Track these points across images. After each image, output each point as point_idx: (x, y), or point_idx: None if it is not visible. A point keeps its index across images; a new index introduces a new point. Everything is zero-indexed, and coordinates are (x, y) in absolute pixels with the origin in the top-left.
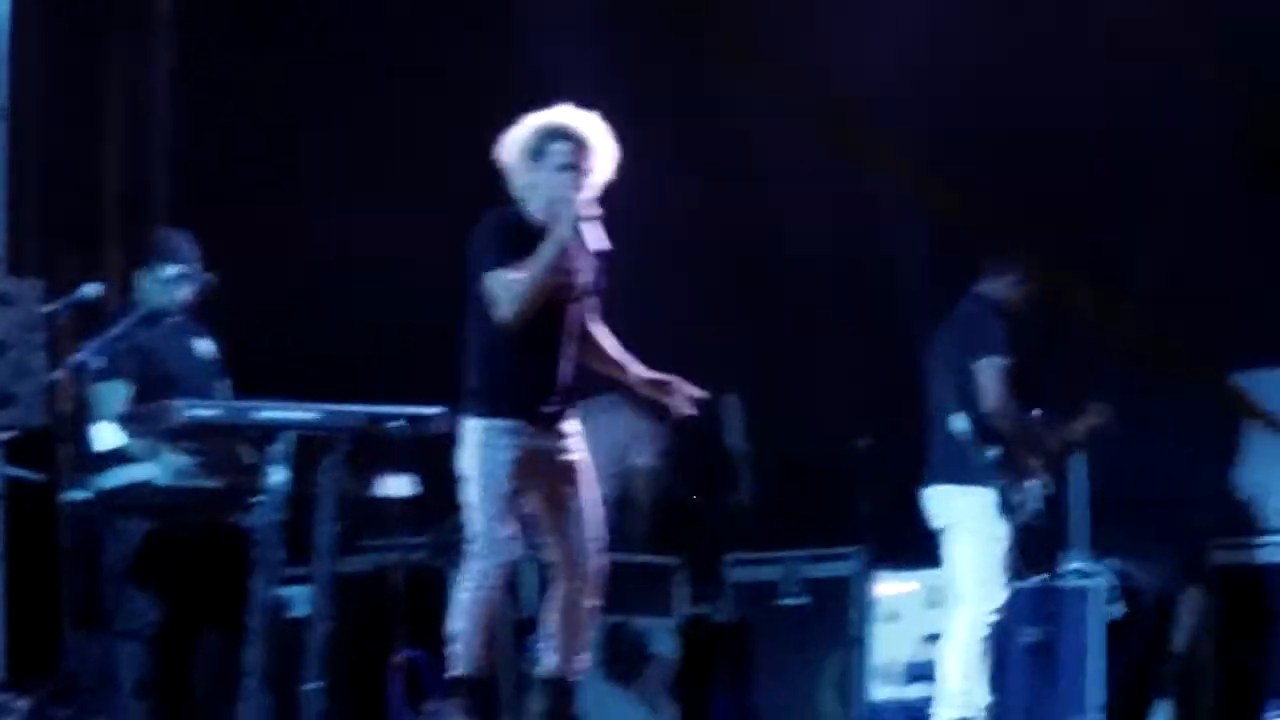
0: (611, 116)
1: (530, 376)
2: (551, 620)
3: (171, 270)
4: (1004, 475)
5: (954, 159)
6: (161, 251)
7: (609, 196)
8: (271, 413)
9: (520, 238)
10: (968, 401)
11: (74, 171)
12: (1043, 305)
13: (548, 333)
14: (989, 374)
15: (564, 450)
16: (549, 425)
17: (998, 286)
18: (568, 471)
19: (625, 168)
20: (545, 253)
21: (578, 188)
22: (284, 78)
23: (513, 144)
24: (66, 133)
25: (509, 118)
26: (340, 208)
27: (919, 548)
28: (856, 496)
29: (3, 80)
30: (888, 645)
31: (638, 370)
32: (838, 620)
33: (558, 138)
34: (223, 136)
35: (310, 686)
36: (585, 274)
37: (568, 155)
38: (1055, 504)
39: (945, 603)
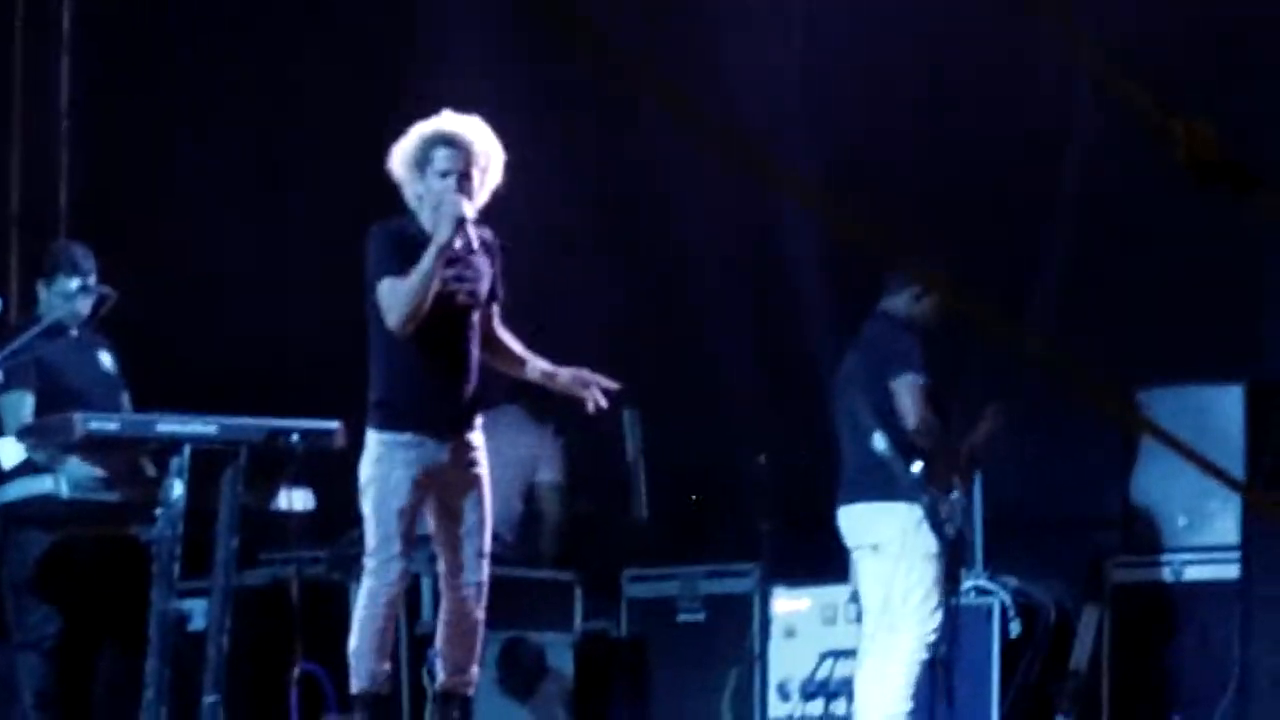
0: (503, 118)
1: (430, 388)
2: (440, 635)
3: (72, 283)
4: (929, 491)
5: (849, 168)
6: (61, 264)
7: (504, 208)
8: (170, 426)
9: (410, 247)
10: (887, 419)
11: None
12: (944, 319)
13: (447, 342)
14: (910, 391)
15: (464, 463)
16: (450, 437)
17: (899, 302)
18: (467, 485)
19: (519, 175)
20: (427, 257)
21: (462, 192)
22: (185, 92)
23: (400, 154)
24: None
25: (402, 121)
26: (240, 222)
27: (814, 564)
28: (755, 513)
29: None
30: (785, 662)
31: (547, 368)
32: (735, 636)
33: (440, 144)
34: (122, 152)
35: (208, 699)
36: (483, 279)
37: (450, 161)
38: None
39: (857, 622)
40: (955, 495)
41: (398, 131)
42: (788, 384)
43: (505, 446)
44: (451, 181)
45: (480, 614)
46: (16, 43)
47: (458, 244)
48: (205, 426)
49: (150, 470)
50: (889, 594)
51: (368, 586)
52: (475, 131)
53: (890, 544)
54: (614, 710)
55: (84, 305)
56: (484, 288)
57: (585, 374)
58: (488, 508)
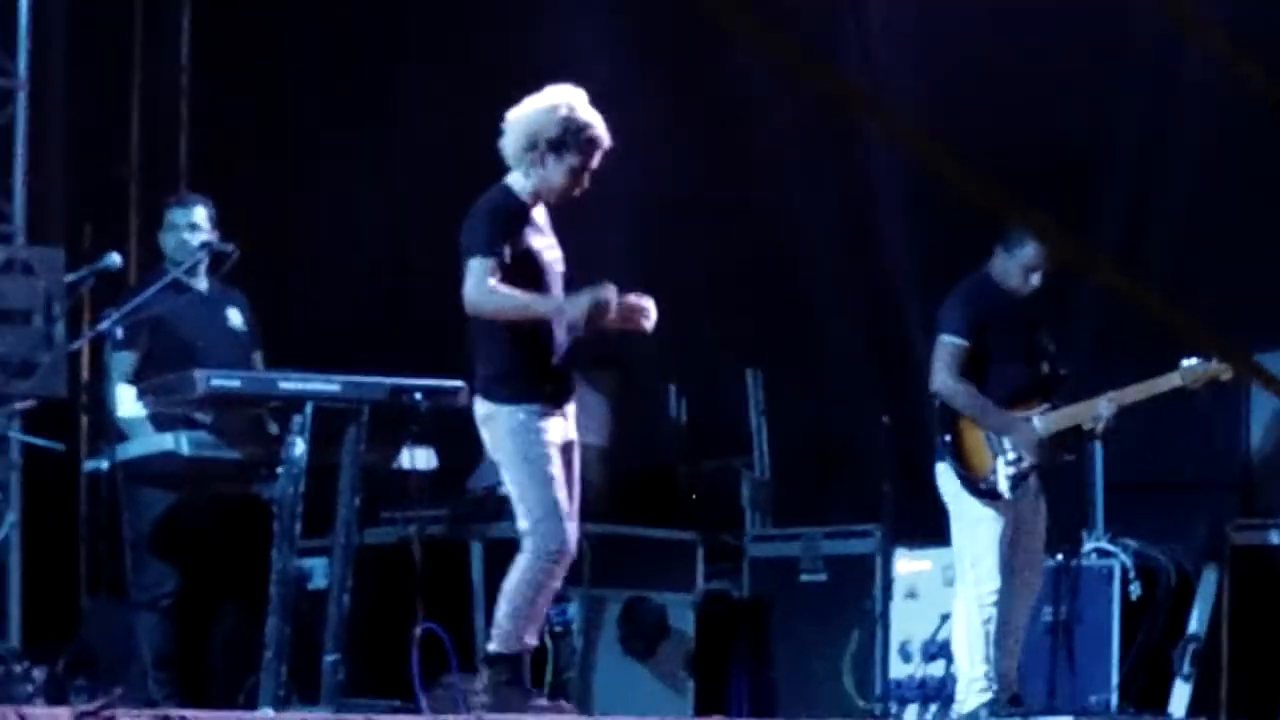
0: (620, 91)
1: (550, 357)
2: (514, 593)
3: (184, 216)
4: (959, 455)
5: (959, 127)
6: (174, 204)
7: (622, 176)
8: (293, 384)
9: (514, 223)
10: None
11: (96, 141)
12: (1056, 281)
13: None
14: (938, 353)
15: (567, 429)
16: (560, 404)
17: (1008, 264)
18: (568, 451)
19: (637, 143)
20: (544, 306)
21: (579, 187)
22: (305, 46)
23: (532, 122)
24: (88, 103)
25: (516, 80)
26: (362, 176)
27: (936, 525)
28: (877, 473)
29: (23, 52)
30: (906, 623)
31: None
32: (857, 597)
33: (587, 145)
34: (243, 107)
35: (329, 658)
36: (559, 249)
37: (587, 160)
38: (1074, 484)
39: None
40: (1000, 461)
41: (512, 89)
42: (906, 344)
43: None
44: (582, 180)
45: (559, 582)
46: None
47: (537, 215)
48: (328, 384)
49: (272, 428)
50: (954, 553)
51: (536, 548)
52: (601, 123)
53: (950, 504)
54: (735, 670)
55: (198, 238)
56: (561, 255)
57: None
58: (577, 476)
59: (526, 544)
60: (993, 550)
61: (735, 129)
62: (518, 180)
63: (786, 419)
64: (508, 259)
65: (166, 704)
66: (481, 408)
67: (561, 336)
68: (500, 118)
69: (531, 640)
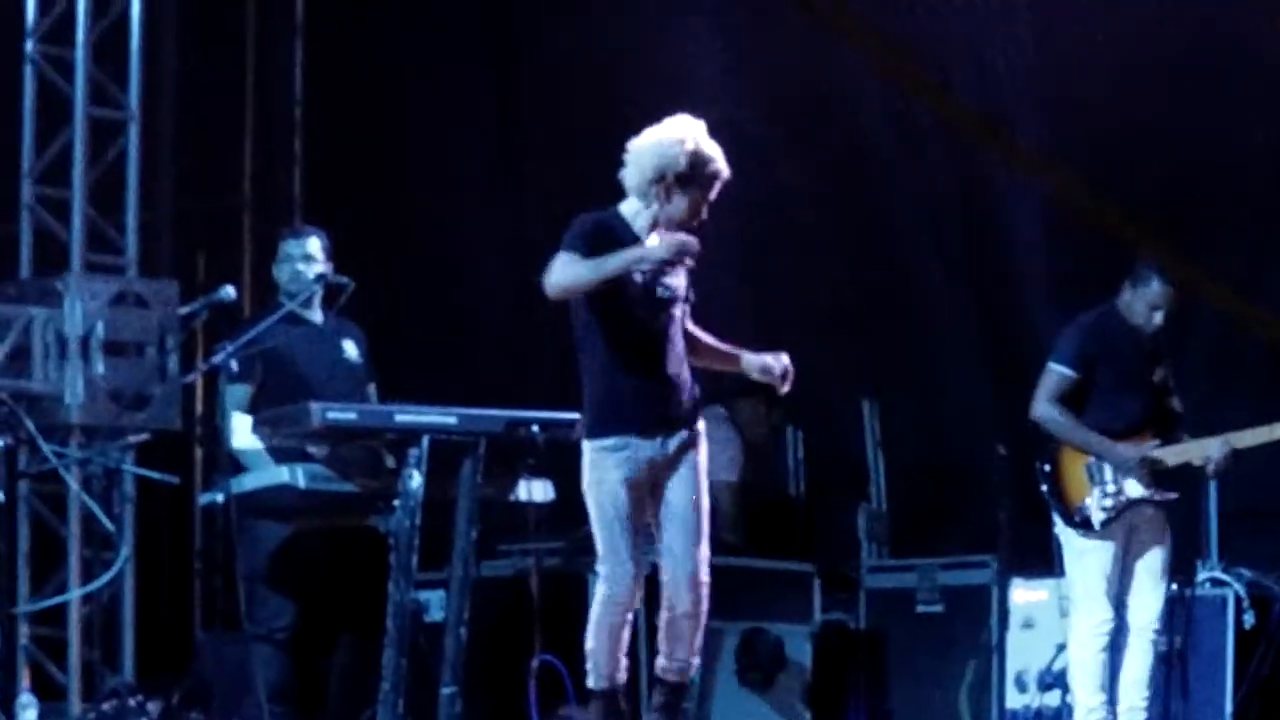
0: (737, 124)
1: (634, 388)
2: (661, 622)
3: (299, 247)
4: (1056, 485)
5: (1079, 153)
6: (289, 235)
7: (739, 202)
8: (409, 416)
9: (606, 239)
10: None
11: (208, 173)
12: (1178, 311)
13: (650, 340)
14: (1043, 379)
15: (678, 458)
16: (660, 434)
17: (1134, 299)
18: (679, 479)
19: (755, 177)
20: (621, 259)
21: (695, 224)
22: (419, 78)
23: (662, 156)
24: (200, 134)
25: (639, 112)
26: (476, 207)
27: (1052, 555)
28: (993, 504)
29: (134, 83)
30: (1022, 653)
31: (749, 356)
32: (973, 628)
33: (709, 176)
34: (356, 140)
35: (446, 691)
36: (677, 278)
37: (709, 193)
38: (1188, 513)
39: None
40: (1095, 494)
41: (631, 110)
42: (1022, 374)
43: None
44: (701, 211)
45: (694, 606)
46: (250, 28)
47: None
48: (444, 417)
49: (389, 461)
50: (1068, 585)
51: (602, 592)
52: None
53: (1060, 535)
54: (852, 701)
55: (313, 271)
56: (681, 285)
57: (778, 361)
58: (703, 501)
59: (598, 582)
60: (1100, 580)
61: (852, 161)
62: (631, 206)
63: (903, 450)
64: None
65: None
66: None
67: (655, 365)
68: (614, 146)
69: (620, 677)
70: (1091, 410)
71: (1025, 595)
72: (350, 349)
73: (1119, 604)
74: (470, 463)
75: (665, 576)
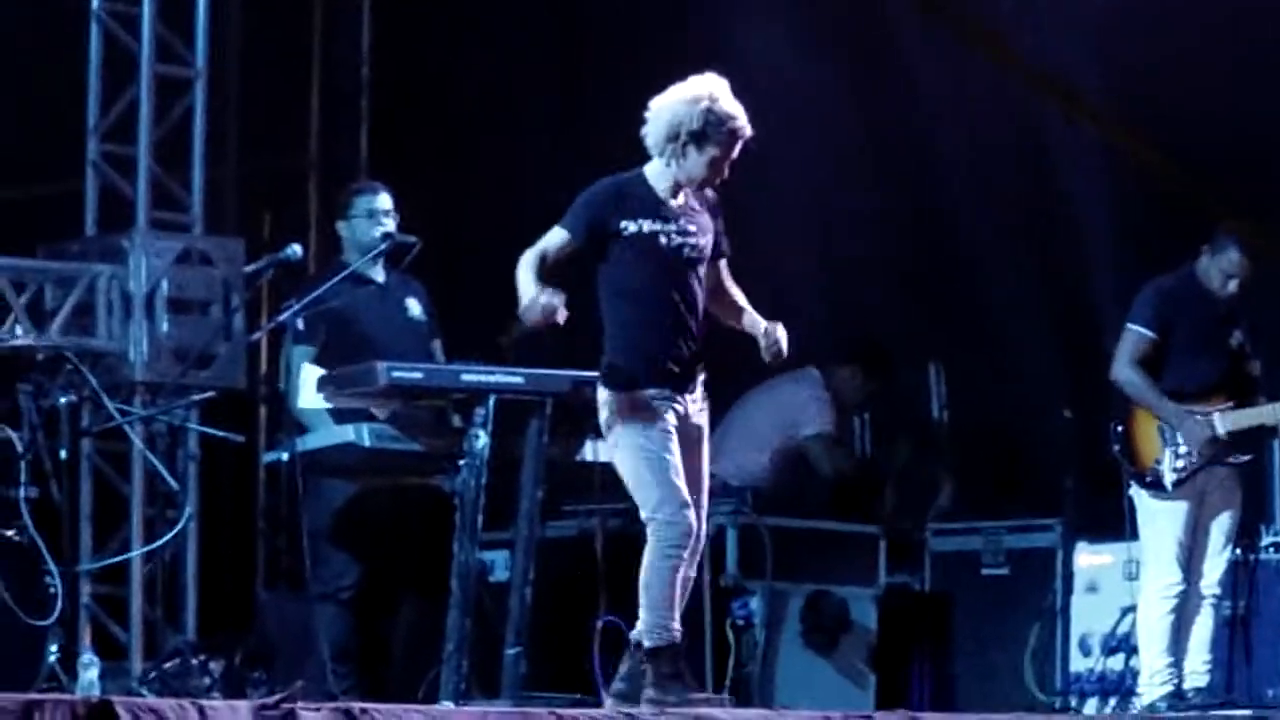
0: (806, 89)
1: (665, 346)
2: (649, 585)
3: (369, 203)
4: (1129, 445)
5: (1145, 115)
6: (354, 194)
7: (806, 167)
8: (475, 376)
9: (621, 206)
10: None
11: (274, 131)
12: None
13: (674, 297)
14: (1122, 341)
15: (691, 416)
16: (680, 389)
17: (1210, 266)
18: (691, 438)
19: (823, 139)
20: (524, 283)
21: (713, 184)
22: (486, 38)
23: (677, 114)
24: (266, 92)
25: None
26: (542, 167)
27: (1116, 519)
28: (1059, 467)
29: (200, 41)
30: (1086, 617)
31: (751, 316)
32: (1038, 591)
33: (726, 135)
34: (421, 99)
35: (510, 651)
36: (705, 234)
37: (728, 152)
38: (1252, 478)
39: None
40: (1167, 455)
41: (695, 70)
42: (1088, 337)
43: (771, 404)
44: (717, 173)
45: (691, 570)
46: None
47: (673, 202)
48: (511, 377)
49: (454, 420)
50: (1141, 548)
51: (662, 540)
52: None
53: (1133, 497)
54: (916, 664)
55: (381, 229)
56: (707, 243)
57: (776, 332)
58: (705, 461)
59: (650, 533)
60: (1171, 543)
61: (917, 127)
62: (655, 168)
63: (969, 413)
64: (585, 240)
65: (346, 697)
66: (600, 394)
67: (680, 322)
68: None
69: (676, 631)
70: (1167, 373)
71: (1090, 559)
72: (414, 306)
73: (1187, 567)
74: (536, 422)
75: None
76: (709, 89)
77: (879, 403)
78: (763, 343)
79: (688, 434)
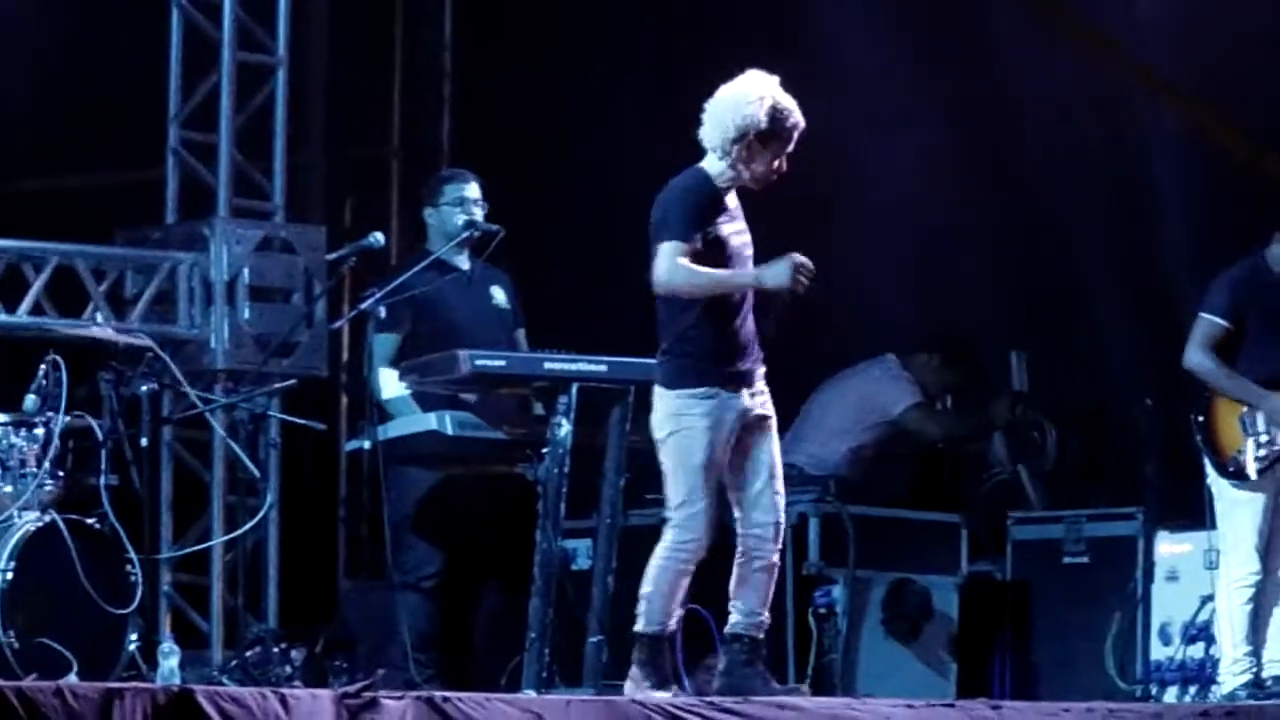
0: (891, 81)
1: (721, 341)
2: (734, 576)
3: (459, 190)
4: (1209, 435)
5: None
6: (446, 179)
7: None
8: (558, 364)
9: (707, 206)
10: None
11: (356, 119)
12: None
13: (741, 300)
14: (1195, 329)
15: (753, 407)
16: (738, 385)
17: (1273, 248)
18: (758, 429)
19: (908, 132)
20: (738, 279)
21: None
22: (569, 24)
23: (743, 114)
24: (348, 80)
25: (796, 54)
26: (628, 153)
27: (1198, 508)
28: (1140, 456)
29: (282, 28)
30: (1167, 605)
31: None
32: (1119, 580)
33: (789, 131)
34: (505, 87)
35: (593, 639)
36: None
37: (787, 146)
38: None
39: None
40: (1249, 443)
41: (789, 53)
42: (1170, 326)
43: (851, 392)
44: (777, 169)
45: (774, 557)
46: None
47: (730, 201)
48: (594, 365)
49: (537, 409)
50: (1219, 537)
51: (672, 538)
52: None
53: (1212, 486)
54: (997, 652)
55: (468, 215)
56: (750, 239)
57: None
58: (776, 449)
59: (667, 528)
60: (1249, 534)
61: (1000, 117)
62: (714, 165)
63: (1050, 402)
64: (699, 245)
65: (428, 686)
66: (655, 391)
67: (740, 319)
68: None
69: (673, 624)
70: (1241, 360)
71: (1170, 548)
72: (499, 295)
73: (1265, 556)
74: (619, 410)
75: (748, 529)
76: (768, 86)
77: (960, 392)
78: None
79: (751, 425)
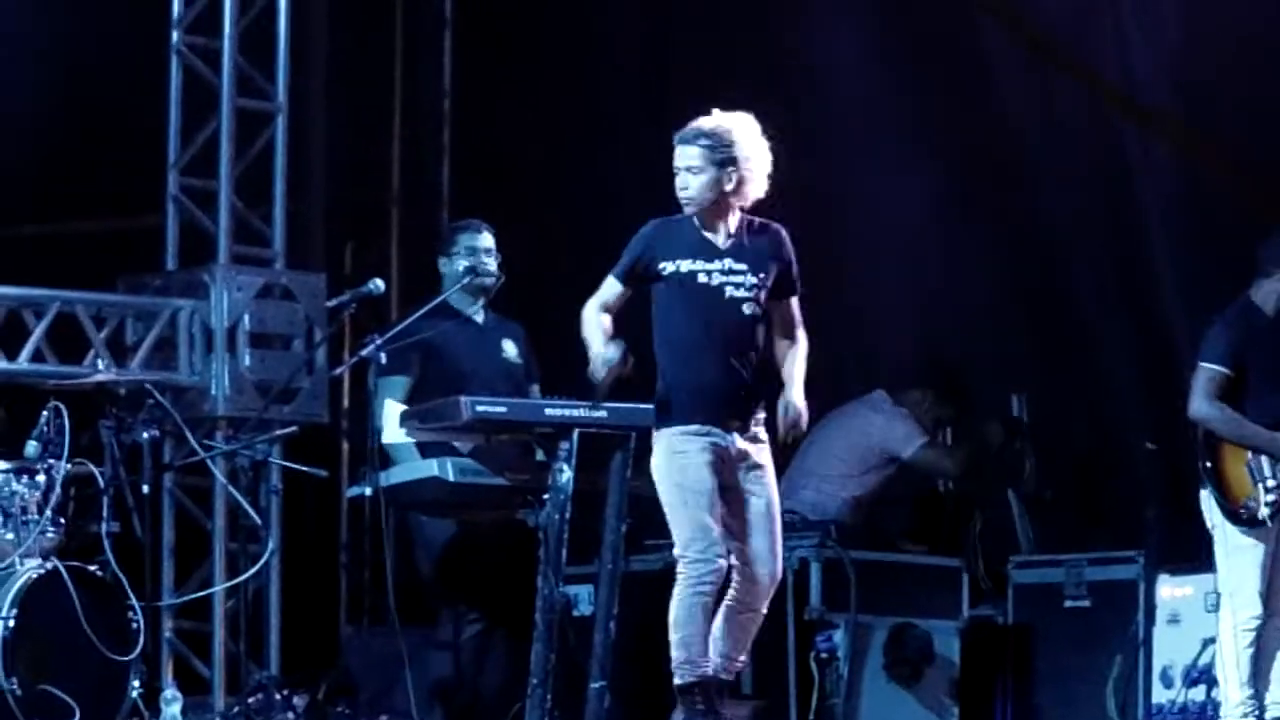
0: (886, 116)
1: (708, 380)
2: (719, 617)
3: (473, 240)
4: (1219, 483)
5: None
6: (459, 229)
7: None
8: (559, 410)
9: (652, 240)
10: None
11: (356, 165)
12: None
13: (720, 336)
14: (1196, 380)
15: (750, 456)
16: (732, 428)
17: (1267, 287)
18: (753, 474)
19: (907, 170)
20: (591, 340)
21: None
22: (569, 68)
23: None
24: (348, 126)
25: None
26: (631, 200)
27: (1199, 551)
28: (1141, 499)
29: (281, 74)
30: (1168, 648)
31: (787, 394)
32: (1120, 623)
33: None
34: (505, 133)
35: (594, 685)
36: (752, 279)
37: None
38: None
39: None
40: (1267, 485)
41: (777, 97)
42: (1171, 369)
43: (848, 435)
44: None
45: (763, 608)
46: (398, 19)
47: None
48: (594, 411)
49: (539, 454)
50: (1217, 578)
51: (691, 575)
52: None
53: (1215, 530)
54: (999, 696)
55: (490, 263)
56: (754, 282)
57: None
58: (772, 497)
59: (679, 569)
60: (1253, 578)
61: (1001, 158)
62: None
63: (1050, 444)
64: (630, 278)
65: None
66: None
67: (722, 360)
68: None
69: (707, 665)
70: (1247, 408)
71: (1172, 591)
72: (510, 348)
73: (1267, 600)
74: (620, 456)
75: (741, 576)
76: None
77: (955, 423)
78: (780, 413)
79: (743, 471)
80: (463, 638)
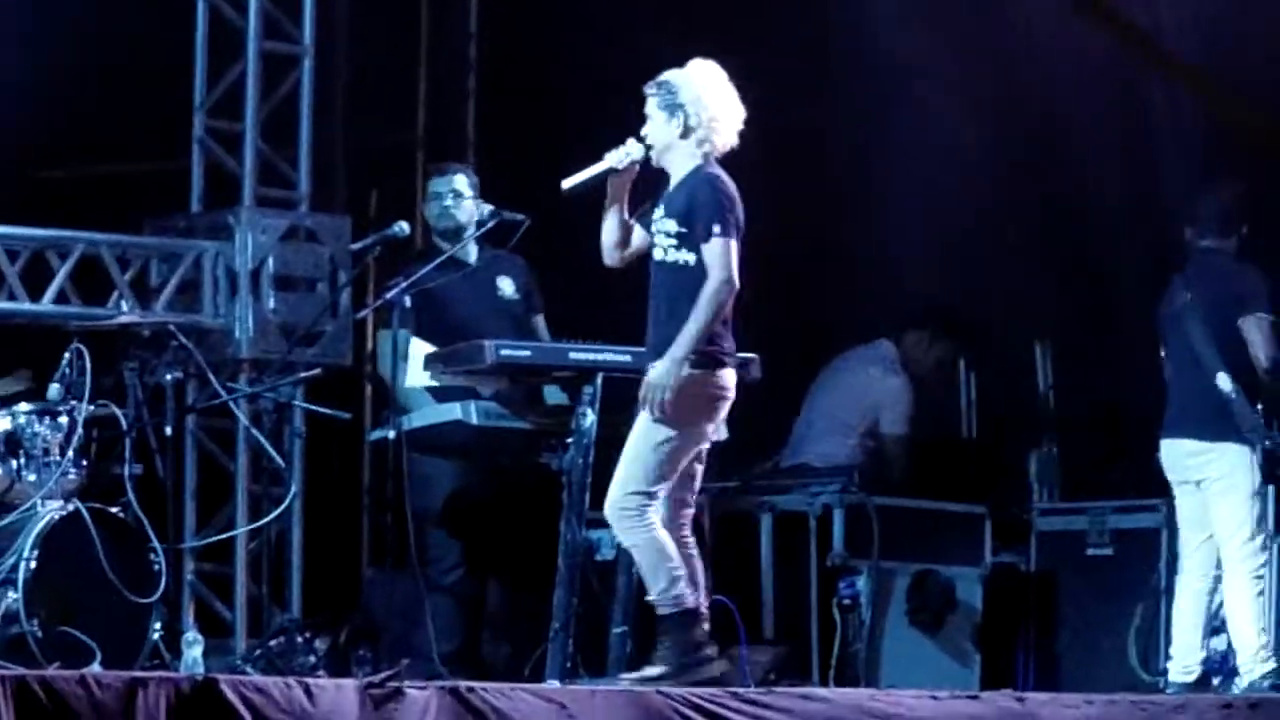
0: (919, 72)
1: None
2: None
3: (445, 184)
4: (1270, 434)
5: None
6: (436, 171)
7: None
8: (583, 355)
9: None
10: (1231, 358)
11: (381, 108)
12: None
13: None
14: (1261, 329)
15: None
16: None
17: (1231, 242)
18: None
19: (934, 124)
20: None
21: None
22: (592, 14)
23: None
24: (373, 69)
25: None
26: None
27: None
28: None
29: (308, 17)
30: None
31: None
32: (1142, 571)
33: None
34: (530, 76)
35: (616, 630)
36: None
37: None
38: None
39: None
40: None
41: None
42: None
43: (850, 387)
44: None
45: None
46: None
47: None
48: (619, 355)
49: (548, 397)
50: (1221, 532)
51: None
52: None
53: (1215, 482)
54: (1021, 643)
55: (458, 207)
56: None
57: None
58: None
59: (648, 508)
60: (1263, 523)
61: (1033, 98)
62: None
63: (1075, 392)
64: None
65: (452, 676)
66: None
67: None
68: (796, 79)
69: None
70: None
71: None
72: (506, 286)
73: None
74: None
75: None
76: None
77: (986, 382)
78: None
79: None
80: (446, 583)
